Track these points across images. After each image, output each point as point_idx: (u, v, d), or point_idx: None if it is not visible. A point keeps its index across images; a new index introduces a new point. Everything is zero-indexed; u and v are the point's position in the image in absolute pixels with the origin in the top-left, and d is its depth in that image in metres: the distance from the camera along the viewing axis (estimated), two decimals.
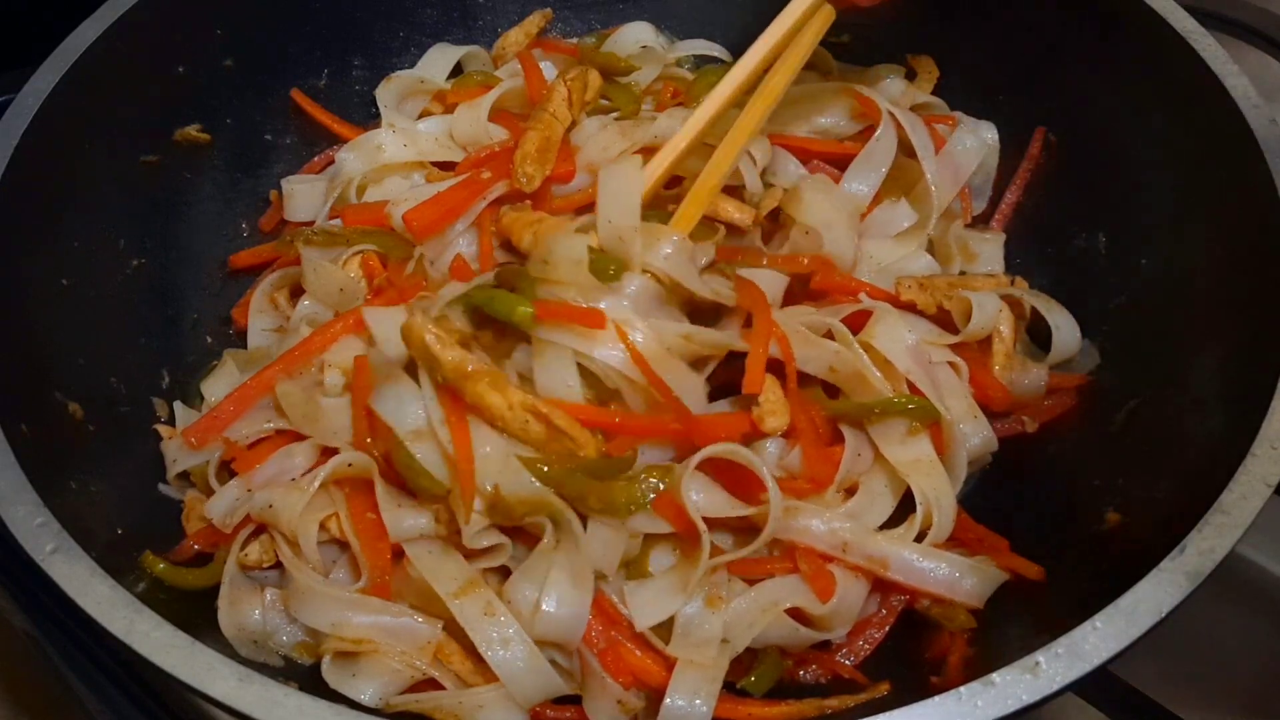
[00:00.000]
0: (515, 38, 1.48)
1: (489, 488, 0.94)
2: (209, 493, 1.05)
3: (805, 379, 1.07)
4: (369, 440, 1.00)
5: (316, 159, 1.41)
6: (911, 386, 1.06)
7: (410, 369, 1.00)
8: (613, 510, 0.95)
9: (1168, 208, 1.12)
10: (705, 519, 0.95)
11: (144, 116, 1.23)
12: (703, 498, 0.98)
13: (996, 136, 1.31)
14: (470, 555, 0.97)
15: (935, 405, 1.04)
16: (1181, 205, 1.10)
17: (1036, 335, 1.20)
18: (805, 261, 1.16)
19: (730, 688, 0.93)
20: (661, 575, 0.98)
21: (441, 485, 0.96)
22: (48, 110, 1.07)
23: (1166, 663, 1.06)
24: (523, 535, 0.98)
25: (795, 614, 0.97)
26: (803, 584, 0.97)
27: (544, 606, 0.91)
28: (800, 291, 1.17)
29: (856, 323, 1.10)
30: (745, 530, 1.00)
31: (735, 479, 1.00)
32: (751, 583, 0.99)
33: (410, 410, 0.98)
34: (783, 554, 1.00)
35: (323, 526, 1.00)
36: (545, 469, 0.95)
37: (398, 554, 0.98)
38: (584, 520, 0.96)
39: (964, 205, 1.31)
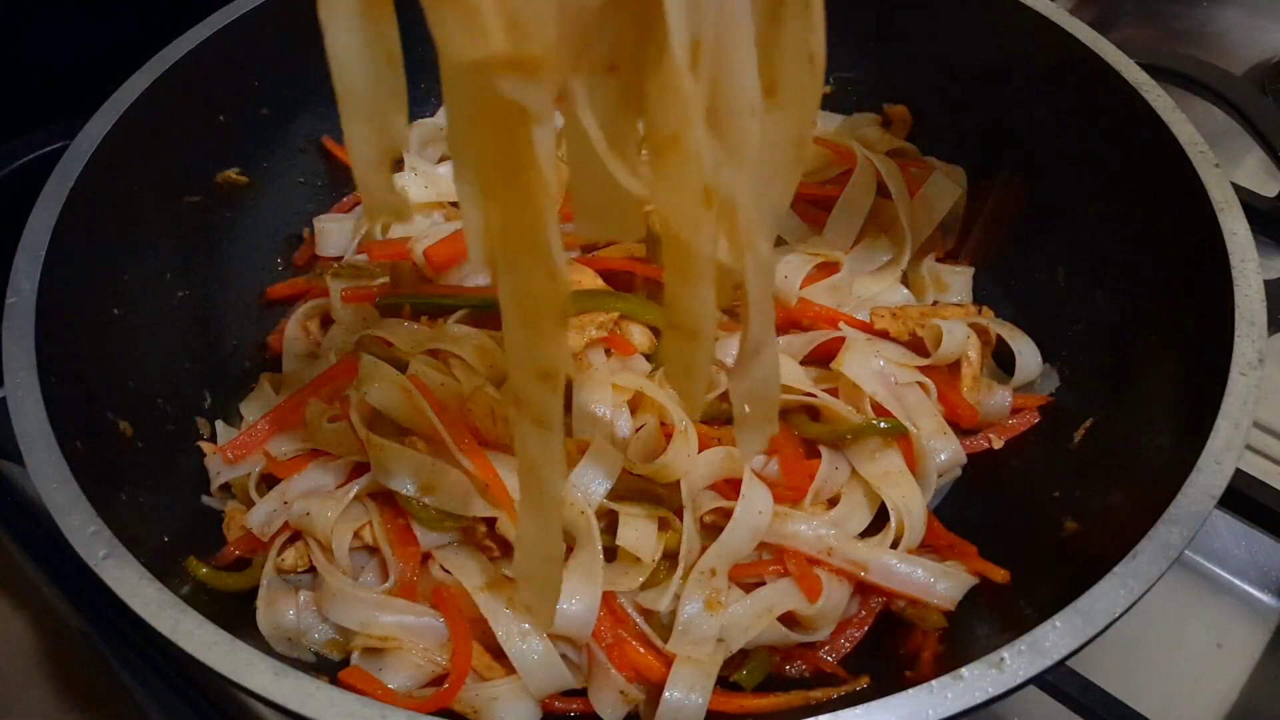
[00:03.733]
0: None
1: None
2: (249, 503, 1.06)
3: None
4: None
5: (345, 199, 1.42)
6: (878, 407, 1.07)
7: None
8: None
9: (1120, 243, 1.13)
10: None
11: (188, 160, 1.24)
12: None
13: (965, 178, 1.32)
14: (493, 558, 0.98)
15: (903, 422, 1.05)
16: (1133, 241, 1.11)
17: (1001, 360, 1.21)
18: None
19: (723, 682, 0.94)
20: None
21: (463, 519, 0.97)
22: (100, 155, 1.08)
23: (1147, 669, 1.08)
24: None
25: (785, 617, 0.98)
26: (794, 590, 0.98)
27: (559, 604, 0.91)
28: (787, 321, 1.18)
29: (835, 348, 1.11)
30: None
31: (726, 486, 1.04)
32: (748, 589, 1.00)
33: (415, 471, 0.98)
34: (774, 557, 1.01)
35: (356, 534, 1.01)
36: None
37: (423, 559, 0.99)
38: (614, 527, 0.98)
39: (936, 242, 1.32)
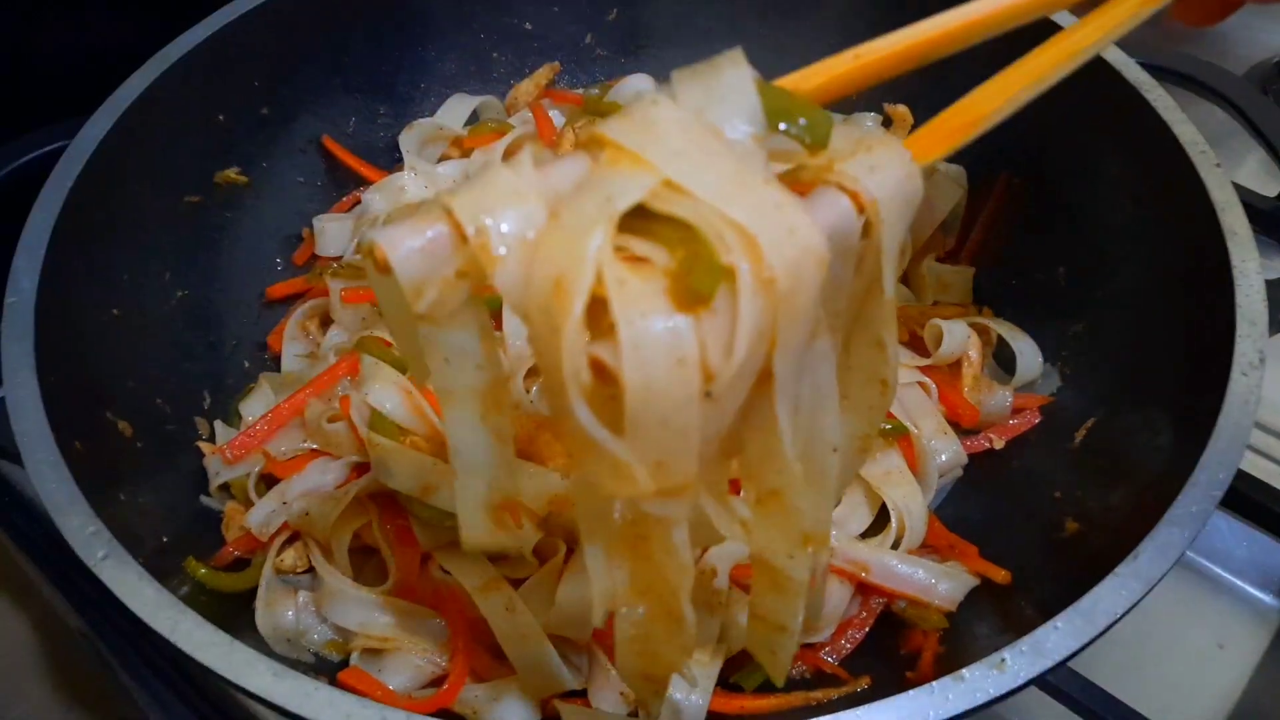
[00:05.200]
0: (526, 88, 1.48)
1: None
2: (248, 504, 1.06)
3: None
4: None
5: (345, 199, 1.42)
6: None
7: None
8: None
9: (1121, 243, 1.12)
10: None
11: (187, 160, 1.23)
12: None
13: (965, 178, 1.32)
14: (492, 560, 0.98)
15: (904, 422, 1.05)
16: (1133, 241, 1.10)
17: (1002, 360, 1.20)
18: None
19: (724, 682, 0.94)
20: None
21: None
22: (100, 155, 1.07)
23: (1148, 670, 1.08)
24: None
25: None
26: None
27: (560, 603, 0.91)
28: None
29: None
30: None
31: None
32: (749, 589, 0.99)
33: (416, 471, 0.97)
34: None
35: (356, 534, 1.01)
36: None
37: (423, 559, 0.98)
38: None
39: (937, 242, 1.32)
